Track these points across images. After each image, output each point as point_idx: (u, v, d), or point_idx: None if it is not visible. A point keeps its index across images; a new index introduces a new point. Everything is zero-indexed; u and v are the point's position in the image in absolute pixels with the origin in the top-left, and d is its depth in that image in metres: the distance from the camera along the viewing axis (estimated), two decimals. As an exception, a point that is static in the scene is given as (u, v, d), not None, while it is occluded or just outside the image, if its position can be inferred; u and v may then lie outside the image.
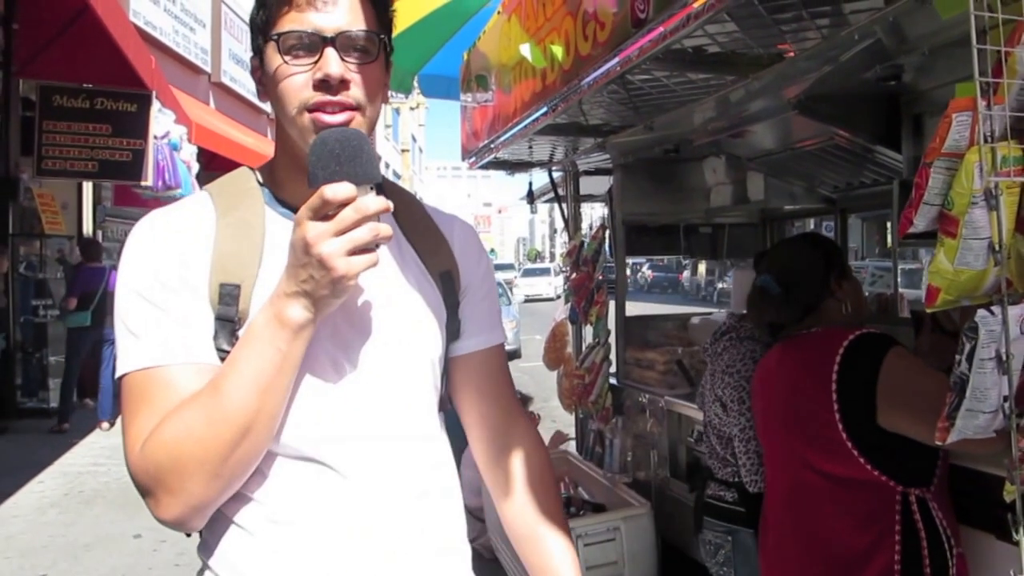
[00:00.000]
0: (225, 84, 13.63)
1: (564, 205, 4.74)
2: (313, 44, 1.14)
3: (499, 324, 1.45)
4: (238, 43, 14.13)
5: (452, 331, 1.35)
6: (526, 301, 29.97)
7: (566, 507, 3.81)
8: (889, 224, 3.10)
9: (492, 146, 3.81)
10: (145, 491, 1.07)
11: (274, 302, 1.07)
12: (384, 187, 1.30)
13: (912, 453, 1.76)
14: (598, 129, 3.48)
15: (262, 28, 1.19)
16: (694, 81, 2.68)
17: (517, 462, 1.43)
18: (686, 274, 33.34)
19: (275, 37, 1.15)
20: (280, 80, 1.16)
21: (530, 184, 4.83)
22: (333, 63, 1.13)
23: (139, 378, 1.10)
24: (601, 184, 4.87)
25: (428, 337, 1.28)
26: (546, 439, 6.05)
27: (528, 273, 36.77)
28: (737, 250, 4.58)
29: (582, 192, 4.85)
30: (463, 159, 4.41)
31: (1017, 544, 1.21)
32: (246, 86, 14.57)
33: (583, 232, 4.59)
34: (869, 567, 1.81)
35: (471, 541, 4.80)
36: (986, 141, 1.18)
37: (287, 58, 1.15)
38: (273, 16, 1.17)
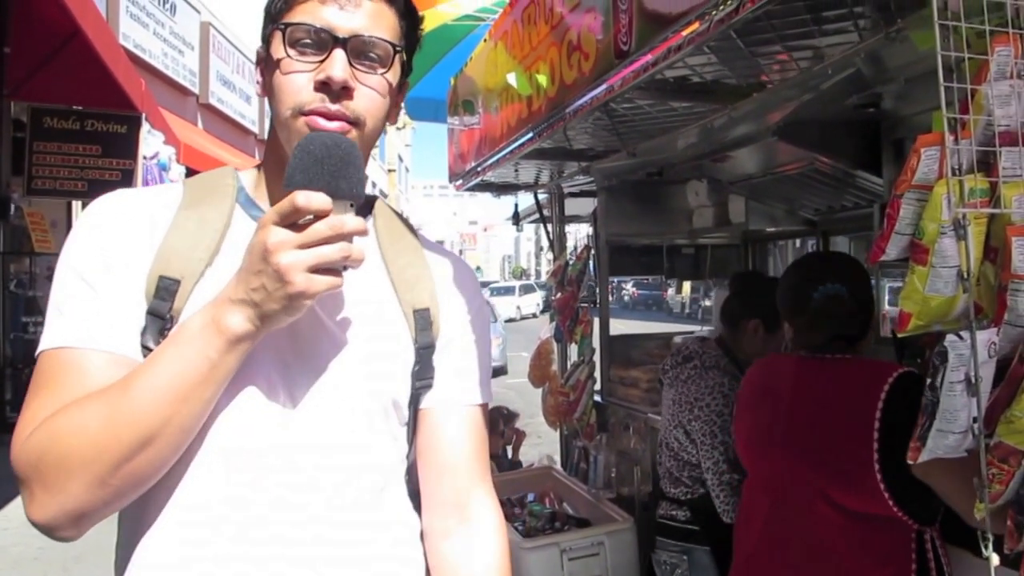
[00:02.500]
0: (213, 105, 13.67)
1: (549, 226, 4.80)
2: (322, 42, 1.05)
3: (478, 382, 1.24)
4: (225, 65, 14.21)
5: (423, 378, 1.18)
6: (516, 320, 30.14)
7: (551, 522, 3.85)
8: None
9: (479, 169, 3.86)
10: (23, 482, 0.95)
11: (216, 305, 0.96)
12: (376, 208, 1.25)
13: (933, 494, 1.71)
14: (582, 153, 3.54)
15: (275, 15, 1.09)
16: (676, 109, 2.75)
17: (462, 561, 1.20)
18: (671, 292, 33.47)
19: (282, 27, 1.06)
20: (280, 75, 1.07)
21: (516, 205, 4.89)
22: (338, 66, 1.03)
23: (52, 357, 1.00)
24: (586, 205, 4.94)
25: (385, 378, 1.13)
26: (533, 456, 6.10)
27: (525, 290, 36.64)
28: (719, 270, 4.65)
29: (567, 213, 4.92)
30: (450, 181, 4.46)
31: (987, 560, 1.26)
32: (233, 107, 14.63)
33: (568, 252, 4.64)
34: None
35: None
36: (954, 174, 1.24)
37: (292, 52, 1.06)
38: (290, 3, 1.08)
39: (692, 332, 4.67)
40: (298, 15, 1.06)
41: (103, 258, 1.03)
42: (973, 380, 1.25)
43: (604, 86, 2.38)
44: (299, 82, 1.05)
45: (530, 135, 3.08)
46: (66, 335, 1.00)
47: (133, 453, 0.92)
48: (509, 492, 4.30)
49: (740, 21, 1.76)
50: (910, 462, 1.30)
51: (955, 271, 1.28)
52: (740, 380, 2.55)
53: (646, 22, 2.05)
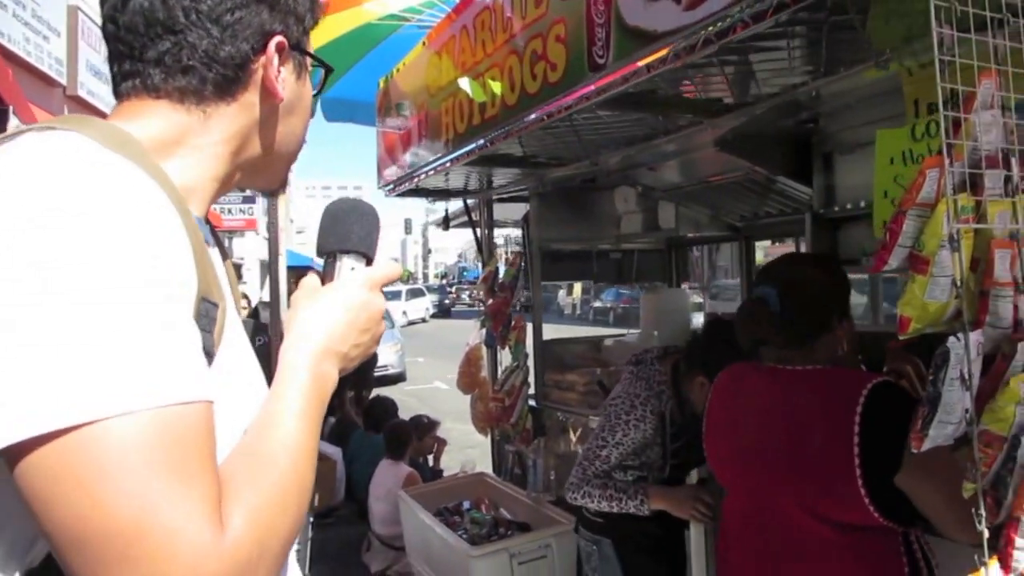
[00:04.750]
0: (82, 97, 12.89)
1: (478, 231, 4.86)
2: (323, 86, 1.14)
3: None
4: (96, 53, 13.41)
5: None
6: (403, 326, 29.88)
7: (494, 529, 3.90)
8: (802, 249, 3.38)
9: (417, 175, 3.89)
10: None
11: (322, 358, 0.94)
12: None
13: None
14: (524, 160, 3.63)
15: (306, 23, 1.06)
16: (632, 120, 2.87)
17: None
18: (560, 293, 34.04)
19: (330, 69, 1.11)
20: (308, 111, 1.10)
21: (446, 211, 4.93)
22: None
23: (181, 416, 0.70)
24: (513, 211, 5.02)
25: None
26: (453, 464, 6.14)
27: (413, 295, 35.91)
28: (645, 274, 4.82)
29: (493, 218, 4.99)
30: (379, 187, 4.45)
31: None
32: (105, 99, 13.83)
33: (499, 257, 4.72)
34: None
35: (384, 570, 4.89)
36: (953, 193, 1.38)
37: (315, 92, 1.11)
38: (309, 28, 1.07)
39: (622, 335, 4.81)
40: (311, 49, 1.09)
41: (176, 276, 0.77)
42: (966, 376, 1.39)
43: (574, 96, 2.46)
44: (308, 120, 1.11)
45: (482, 142, 3.13)
46: (190, 386, 0.73)
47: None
48: (443, 501, 4.33)
49: (726, 44, 1.88)
50: (914, 451, 1.42)
51: (950, 280, 1.42)
52: (664, 399, 2.68)
53: (626, 38, 2.14)
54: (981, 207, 1.44)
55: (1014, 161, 1.49)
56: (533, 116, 2.69)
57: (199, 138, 0.97)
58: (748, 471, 2.01)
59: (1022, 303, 1.47)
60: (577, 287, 30.03)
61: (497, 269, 4.60)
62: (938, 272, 1.41)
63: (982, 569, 1.38)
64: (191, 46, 0.94)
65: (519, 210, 4.94)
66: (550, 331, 4.58)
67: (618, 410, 2.64)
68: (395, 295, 33.62)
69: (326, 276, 1.04)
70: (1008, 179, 1.49)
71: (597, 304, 27.85)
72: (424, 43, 3.78)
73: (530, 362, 4.40)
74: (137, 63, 0.95)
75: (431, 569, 4.01)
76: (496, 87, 2.92)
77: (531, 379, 4.39)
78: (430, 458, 5.92)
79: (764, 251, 4.92)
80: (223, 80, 0.97)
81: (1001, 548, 1.45)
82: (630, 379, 2.73)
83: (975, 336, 1.41)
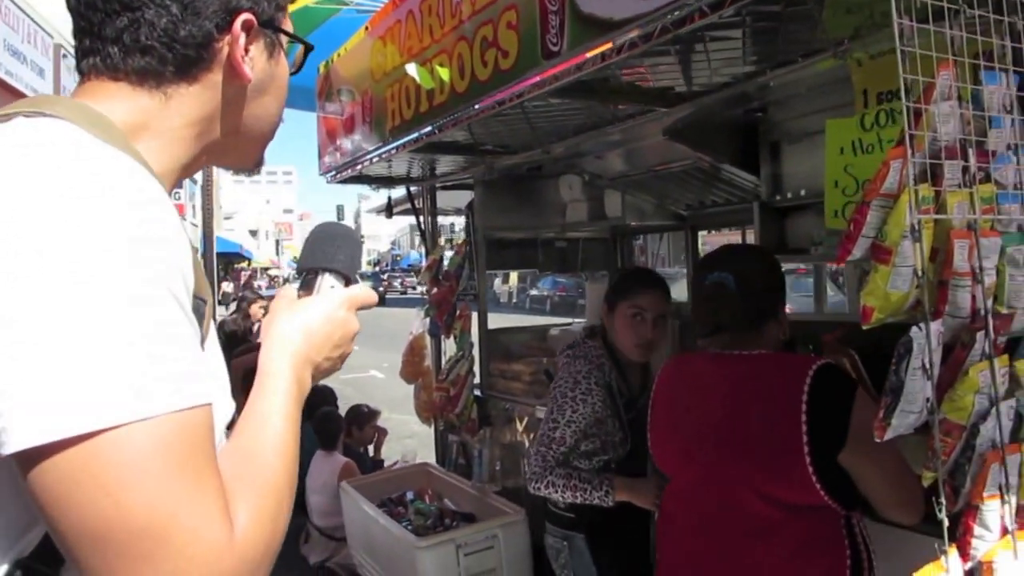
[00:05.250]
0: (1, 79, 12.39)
1: (421, 218, 4.80)
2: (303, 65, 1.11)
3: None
4: (14, 33, 12.85)
5: None
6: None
7: (439, 520, 3.87)
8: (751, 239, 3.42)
9: (360, 162, 3.81)
10: None
11: (302, 366, 0.97)
12: None
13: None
14: (472, 148, 3.58)
15: (283, 4, 1.04)
16: (578, 108, 2.85)
17: None
18: (496, 282, 34.04)
19: (310, 46, 1.08)
20: (284, 90, 1.07)
21: (389, 198, 4.85)
22: None
23: (193, 419, 0.72)
24: (456, 198, 4.97)
25: None
26: (392, 454, 6.08)
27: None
28: (590, 263, 4.82)
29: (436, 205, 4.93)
30: (321, 173, 4.36)
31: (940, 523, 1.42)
32: (25, 80, 13.28)
33: (443, 245, 4.66)
34: None
35: (324, 561, 4.82)
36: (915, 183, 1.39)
37: (292, 70, 1.08)
38: (285, 3, 1.04)
39: (569, 324, 4.81)
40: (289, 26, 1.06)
41: (186, 281, 0.78)
42: (927, 365, 1.40)
43: (527, 84, 2.42)
44: (284, 101, 1.08)
45: (429, 129, 3.08)
46: (201, 389, 0.74)
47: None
48: (386, 492, 4.28)
49: (683, 33, 1.86)
50: (877, 440, 1.44)
51: (911, 270, 1.43)
52: (606, 371, 2.69)
53: (580, 25, 2.12)
54: (940, 197, 1.46)
55: (971, 152, 1.51)
56: (485, 103, 2.64)
57: (161, 122, 0.93)
58: (694, 456, 2.03)
59: (979, 293, 1.49)
60: (513, 276, 30.06)
61: (441, 258, 4.55)
62: (900, 262, 1.42)
63: (942, 557, 1.41)
64: (149, 24, 0.90)
65: (462, 197, 4.90)
66: (490, 320, 4.55)
67: (563, 389, 2.62)
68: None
69: (304, 289, 1.06)
70: (965, 169, 1.51)
71: (534, 292, 27.95)
72: (367, 28, 3.70)
73: (475, 351, 4.36)
74: (96, 40, 0.91)
75: (375, 561, 3.96)
76: (444, 74, 2.87)
77: (476, 369, 4.36)
78: (370, 448, 5.83)
79: (702, 239, 4.96)
80: (184, 60, 0.92)
81: (959, 536, 1.48)
82: (568, 361, 2.73)
83: (935, 326, 1.43)
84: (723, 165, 3.22)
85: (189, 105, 0.94)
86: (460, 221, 4.85)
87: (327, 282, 1.06)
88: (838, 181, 2.42)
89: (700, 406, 2.03)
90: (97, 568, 0.68)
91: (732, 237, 5.38)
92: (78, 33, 0.94)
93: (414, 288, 38.20)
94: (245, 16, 0.95)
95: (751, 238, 3.83)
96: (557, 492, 2.49)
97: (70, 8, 0.93)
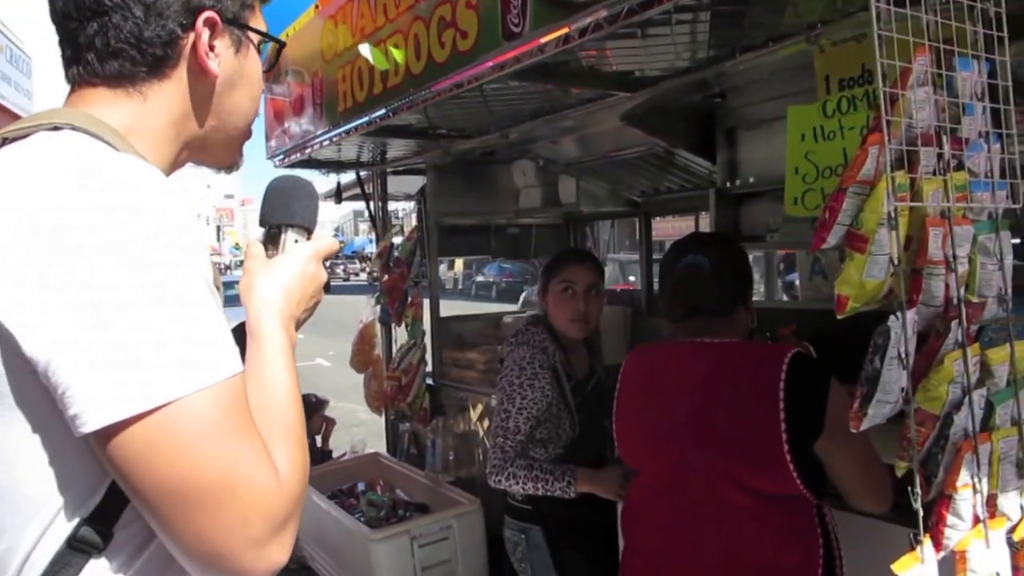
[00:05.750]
0: None
1: (371, 204, 4.69)
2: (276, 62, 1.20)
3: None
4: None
5: None
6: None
7: (392, 511, 3.80)
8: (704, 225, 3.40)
9: (310, 145, 3.69)
10: (283, 524, 0.84)
11: (288, 323, 1.06)
12: None
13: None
14: (426, 132, 3.50)
15: (250, 2, 1.08)
16: (536, 92, 2.79)
17: None
18: (442, 268, 33.69)
19: (282, 43, 1.15)
20: (257, 82, 1.12)
21: (338, 183, 4.73)
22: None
23: (238, 384, 0.85)
24: (406, 184, 4.88)
25: None
26: (340, 444, 5.98)
27: None
28: (543, 250, 4.77)
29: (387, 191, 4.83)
30: (268, 157, 4.23)
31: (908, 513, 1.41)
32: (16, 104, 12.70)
33: (392, 231, 4.57)
34: None
35: None
36: (892, 170, 1.36)
37: (265, 67, 1.14)
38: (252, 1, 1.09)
39: (522, 312, 4.76)
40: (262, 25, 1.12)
41: (208, 260, 0.88)
42: (903, 355, 1.38)
43: (489, 65, 2.35)
44: (259, 97, 1.14)
45: (383, 111, 2.99)
46: (238, 357, 0.87)
47: None
48: (337, 483, 4.20)
49: (651, 16, 1.82)
50: (853, 430, 1.42)
51: (887, 258, 1.41)
52: (550, 353, 2.65)
53: (543, 6, 2.06)
54: (915, 185, 1.44)
55: (945, 139, 1.50)
56: (442, 85, 2.57)
57: (146, 123, 1.01)
58: (664, 446, 1.97)
59: (952, 282, 1.47)
60: (459, 262, 29.87)
61: (392, 244, 4.45)
62: (876, 250, 1.40)
63: (918, 548, 1.39)
64: (116, 27, 0.96)
65: (410, 183, 4.81)
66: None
67: (510, 378, 2.58)
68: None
69: (269, 246, 1.14)
70: (939, 157, 1.49)
71: (479, 279, 27.84)
72: (317, 7, 3.58)
73: (427, 339, 4.29)
74: (76, 49, 0.99)
75: (326, 554, 3.88)
76: (399, 55, 2.78)
77: (428, 357, 4.28)
78: (318, 438, 5.71)
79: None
80: (154, 60, 0.99)
81: (932, 526, 1.46)
82: (512, 348, 2.69)
83: (911, 315, 1.41)
84: (679, 151, 3.19)
85: (167, 103, 1.01)
86: (407, 207, 4.77)
87: (291, 237, 1.13)
88: (798, 168, 2.41)
89: (671, 395, 1.98)
90: (176, 520, 0.80)
91: (684, 224, 5.36)
92: (61, 43, 1.01)
93: (356, 275, 38.72)
94: (208, 14, 1.00)
95: (704, 225, 3.83)
96: (518, 484, 2.44)
97: (52, 21, 1.00)
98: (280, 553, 0.84)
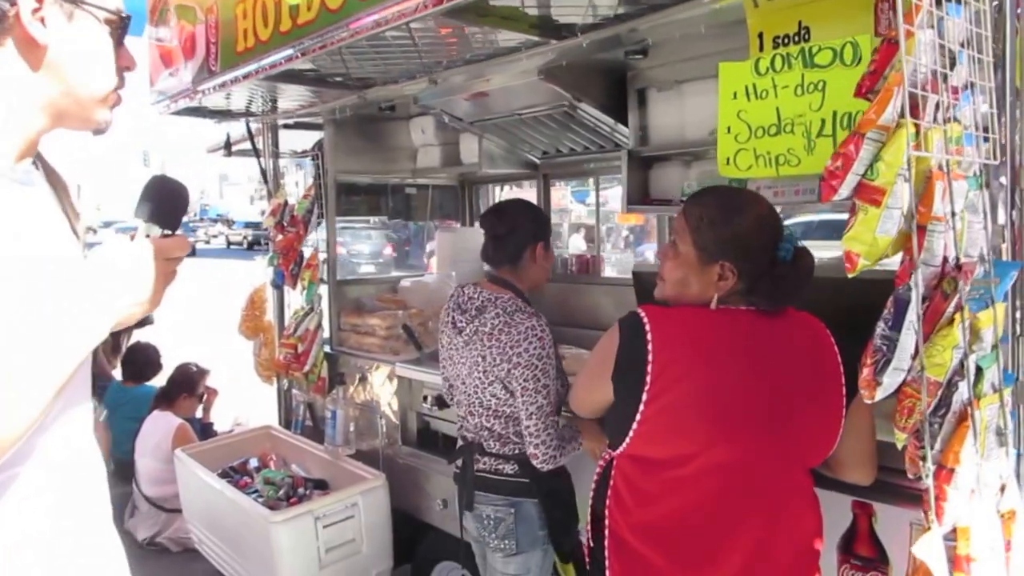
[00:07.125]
0: None
1: (262, 159, 4.33)
2: (123, 27, 1.23)
3: None
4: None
5: None
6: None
7: (293, 490, 3.55)
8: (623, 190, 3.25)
9: (202, 91, 3.33)
10: None
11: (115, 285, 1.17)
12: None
13: None
14: (324, 79, 3.23)
15: None
16: (459, 38, 2.58)
17: None
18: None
19: (123, 15, 1.21)
20: (96, 51, 1.20)
21: (228, 136, 4.34)
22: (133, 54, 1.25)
23: None
24: (294, 139, 4.55)
25: None
26: (231, 415, 5.62)
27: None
28: (441, 211, 4.56)
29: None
30: (152, 103, 3.81)
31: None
32: None
33: (287, 190, 4.25)
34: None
35: (154, 536, 4.41)
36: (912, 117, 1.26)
37: (105, 33, 1.20)
38: None
39: (420, 275, 4.54)
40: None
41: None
42: (916, 318, 1.29)
43: (414, 2, 2.12)
44: (111, 67, 1.22)
45: (290, 53, 2.69)
46: None
47: None
48: (227, 459, 3.90)
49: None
50: (868, 401, 1.32)
51: (900, 212, 1.31)
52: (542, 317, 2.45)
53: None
54: (921, 134, 1.33)
55: (944, 88, 1.41)
56: (362, 22, 2.31)
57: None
58: (739, 433, 1.66)
59: (950, 240, 1.39)
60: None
61: (286, 202, 4.13)
62: (893, 203, 1.29)
63: (932, 526, 1.31)
64: None
65: (302, 140, 4.49)
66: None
67: (538, 351, 2.35)
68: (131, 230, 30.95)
69: (133, 235, 1.24)
70: (937, 106, 1.40)
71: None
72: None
73: (324, 304, 4.02)
74: None
75: (218, 537, 3.59)
76: (306, -12, 2.50)
77: (325, 323, 4.02)
78: (199, 411, 5.30)
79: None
80: None
81: (934, 499, 1.39)
82: (502, 320, 2.40)
83: (920, 275, 1.32)
84: (587, 109, 3.06)
85: (3, 70, 1.12)
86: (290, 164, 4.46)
87: (142, 231, 1.23)
88: (730, 127, 2.30)
89: (751, 374, 1.67)
90: None
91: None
92: None
93: (216, 237, 42.05)
94: None
95: (617, 191, 3.73)
96: (565, 456, 2.37)
97: None
98: None
